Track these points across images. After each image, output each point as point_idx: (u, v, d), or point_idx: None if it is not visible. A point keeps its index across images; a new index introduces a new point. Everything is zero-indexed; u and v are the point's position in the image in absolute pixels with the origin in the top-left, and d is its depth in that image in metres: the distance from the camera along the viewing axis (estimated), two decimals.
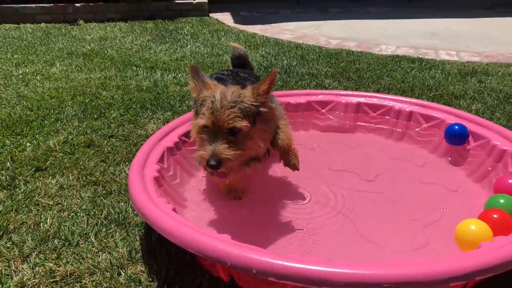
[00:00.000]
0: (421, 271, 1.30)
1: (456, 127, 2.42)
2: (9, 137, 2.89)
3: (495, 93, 3.71)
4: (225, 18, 6.94)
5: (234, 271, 1.62)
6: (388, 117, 2.76)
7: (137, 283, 1.71)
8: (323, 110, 2.85)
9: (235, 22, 6.67)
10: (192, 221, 1.70)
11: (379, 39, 5.68)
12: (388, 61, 4.64)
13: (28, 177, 2.43)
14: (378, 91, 3.72)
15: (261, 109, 1.78)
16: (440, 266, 1.32)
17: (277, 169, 2.39)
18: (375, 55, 4.88)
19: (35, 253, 1.87)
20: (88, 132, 2.97)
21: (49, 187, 2.34)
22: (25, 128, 3.00)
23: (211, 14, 7.09)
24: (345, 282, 1.29)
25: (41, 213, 2.14)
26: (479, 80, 4.07)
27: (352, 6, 8.16)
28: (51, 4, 6.51)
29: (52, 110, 3.30)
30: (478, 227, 1.61)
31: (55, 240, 1.95)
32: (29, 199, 2.24)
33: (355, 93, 2.90)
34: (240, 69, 2.45)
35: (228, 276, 1.68)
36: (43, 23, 6.41)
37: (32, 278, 1.72)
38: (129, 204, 2.20)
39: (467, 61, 4.71)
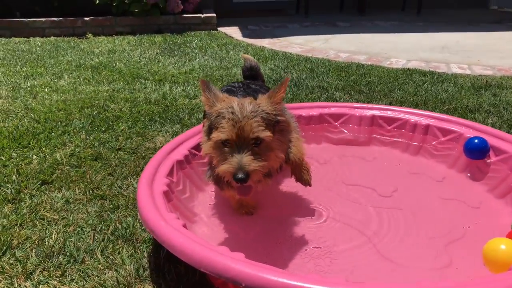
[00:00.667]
0: None
1: (476, 141, 2.33)
2: (15, 149, 2.83)
3: (511, 107, 3.62)
4: (233, 32, 6.93)
5: None
6: (403, 131, 2.68)
7: None
8: (336, 123, 2.78)
9: (244, 36, 6.65)
10: (203, 238, 1.62)
11: (389, 52, 5.63)
12: (399, 74, 4.57)
13: (34, 191, 2.37)
14: (390, 104, 3.64)
15: (279, 118, 1.71)
16: None
17: (289, 185, 2.31)
18: (385, 68, 4.82)
19: (39, 270, 1.80)
20: (95, 144, 2.91)
21: (54, 201, 2.28)
22: (32, 140, 2.95)
23: (219, 28, 7.08)
24: None
25: (46, 228, 2.07)
26: (494, 94, 3.98)
27: (360, 20, 8.13)
28: (61, 18, 6.53)
29: (59, 123, 3.25)
30: (509, 247, 1.51)
31: (60, 257, 1.87)
32: (34, 213, 2.17)
33: (369, 105, 2.82)
34: (251, 81, 2.39)
35: None
36: (52, 37, 6.43)
37: None
38: (136, 219, 2.12)
39: (480, 75, 4.63)
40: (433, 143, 2.58)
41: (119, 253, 1.90)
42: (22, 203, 2.26)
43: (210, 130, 1.70)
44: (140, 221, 2.10)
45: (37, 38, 6.34)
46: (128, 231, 2.03)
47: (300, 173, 2.02)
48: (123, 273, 1.77)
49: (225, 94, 1.77)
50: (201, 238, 1.55)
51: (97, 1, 6.52)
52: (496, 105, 3.67)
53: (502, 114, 3.47)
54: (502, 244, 1.54)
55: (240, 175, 1.56)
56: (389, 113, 2.73)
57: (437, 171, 2.42)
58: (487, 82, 4.32)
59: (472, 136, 2.40)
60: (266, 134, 1.62)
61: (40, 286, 1.71)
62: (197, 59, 5.16)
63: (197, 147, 2.36)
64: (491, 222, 1.97)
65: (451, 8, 9.65)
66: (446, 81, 4.34)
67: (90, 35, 6.43)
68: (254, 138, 1.60)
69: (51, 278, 1.75)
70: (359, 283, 1.27)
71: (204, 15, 7.01)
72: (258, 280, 1.30)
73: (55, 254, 1.89)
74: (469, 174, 2.38)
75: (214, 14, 7.07)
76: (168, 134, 3.11)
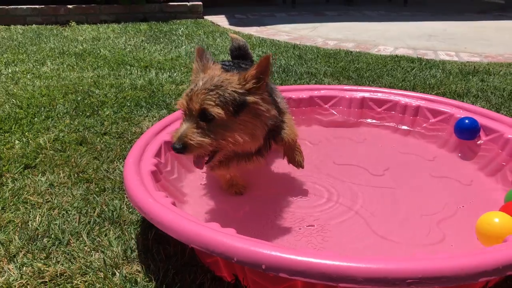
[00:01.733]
0: (448, 265, 1.18)
1: (467, 121, 2.32)
2: None
3: (498, 92, 3.63)
4: (220, 20, 6.84)
5: (239, 269, 1.50)
6: (394, 112, 2.66)
7: (133, 284, 1.58)
8: (326, 106, 2.74)
9: (230, 24, 6.58)
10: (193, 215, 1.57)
11: (377, 40, 5.61)
12: (388, 60, 4.56)
13: (16, 175, 2.29)
14: None
15: (248, 98, 1.63)
16: (469, 260, 1.20)
17: (280, 165, 2.27)
18: (374, 55, 4.80)
19: (23, 252, 1.73)
20: (80, 129, 2.84)
21: (38, 185, 2.20)
22: (14, 125, 2.86)
23: (205, 17, 7.00)
24: (366, 277, 1.17)
25: (30, 211, 2.00)
26: (481, 79, 3.99)
27: (347, 9, 8.11)
28: (43, 6, 6.37)
29: (42, 108, 3.16)
30: (502, 220, 1.50)
31: (44, 239, 1.81)
32: (16, 197, 2.10)
33: (359, 87, 2.80)
34: (240, 60, 2.34)
35: (232, 275, 1.55)
36: (34, 25, 6.27)
37: (19, 279, 1.59)
38: (124, 201, 2.07)
39: (467, 61, 4.65)
40: (424, 125, 2.56)
41: (105, 235, 1.85)
42: (4, 187, 2.19)
43: None
44: (128, 203, 2.05)
45: (18, 26, 6.18)
46: (115, 213, 1.97)
47: (293, 154, 1.98)
48: (110, 254, 1.72)
49: (218, 66, 1.73)
50: (190, 214, 1.50)
51: None
52: (484, 90, 3.68)
53: (490, 99, 3.48)
54: (495, 218, 1.53)
55: (176, 145, 1.55)
56: (379, 95, 2.71)
57: (428, 150, 2.41)
58: (474, 68, 4.33)
59: (462, 116, 2.39)
60: (215, 110, 1.56)
61: (24, 268, 1.64)
62: (183, 46, 5.08)
63: None
64: (482, 198, 1.97)
65: None
66: (434, 67, 4.34)
67: (73, 23, 6.29)
68: (200, 111, 1.57)
69: (35, 260, 1.68)
70: (353, 256, 1.24)
71: (190, 3, 6.91)
72: (250, 254, 1.26)
73: (39, 236, 1.83)
74: (459, 154, 2.37)
75: (200, 2, 6.97)
76: (154, 119, 3.04)
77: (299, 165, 2.01)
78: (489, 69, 4.31)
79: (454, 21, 7.08)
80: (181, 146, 1.55)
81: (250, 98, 1.64)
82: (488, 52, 5.08)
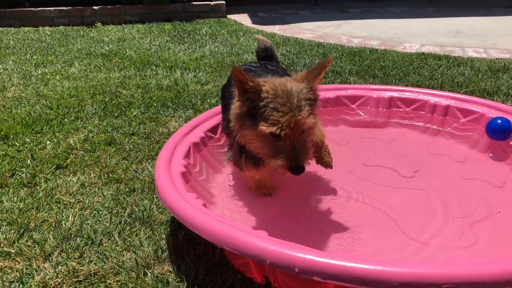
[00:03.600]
0: (485, 271, 1.16)
1: (499, 121, 2.27)
2: (29, 135, 2.81)
3: None
4: (243, 19, 6.85)
5: (270, 271, 1.50)
6: (423, 112, 2.61)
7: (165, 284, 1.60)
8: (353, 106, 2.72)
9: (253, 22, 6.58)
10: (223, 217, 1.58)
11: (402, 37, 5.53)
12: (414, 58, 4.49)
13: (49, 175, 2.35)
14: None
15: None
16: (507, 266, 1.17)
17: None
18: (399, 53, 4.73)
19: (57, 251, 1.78)
20: (108, 130, 2.89)
21: (70, 185, 2.25)
22: (45, 126, 2.93)
23: (228, 16, 7.01)
24: (401, 281, 1.16)
25: (63, 211, 2.05)
26: None
27: (371, 6, 8.01)
28: (69, 7, 6.50)
29: (71, 109, 3.23)
30: None
31: (78, 239, 1.85)
32: (50, 197, 2.15)
33: (387, 87, 2.76)
34: (266, 62, 2.34)
35: (262, 276, 1.56)
36: (61, 26, 6.40)
37: (54, 278, 1.63)
38: (153, 202, 2.09)
39: (497, 58, 4.53)
40: (454, 125, 2.51)
41: (136, 235, 1.88)
42: (38, 187, 2.24)
43: (251, 116, 1.61)
44: (157, 203, 2.07)
45: (46, 28, 6.32)
46: (145, 213, 2.00)
47: (321, 154, 1.97)
48: (141, 254, 1.74)
49: (262, 78, 1.72)
50: (222, 216, 1.51)
51: None
52: None
53: None
54: None
55: (300, 169, 1.56)
56: (407, 94, 2.67)
57: (459, 151, 2.36)
58: (504, 65, 4.22)
59: (494, 116, 2.34)
60: (314, 121, 1.60)
61: (59, 267, 1.68)
62: (208, 46, 5.10)
63: (213, 129, 2.33)
64: None
65: None
66: (462, 65, 4.26)
67: (99, 24, 6.39)
68: (306, 129, 1.58)
69: (69, 260, 1.72)
70: (387, 260, 1.22)
71: (213, 2, 6.94)
72: (283, 257, 1.26)
73: (72, 236, 1.87)
74: (491, 155, 2.32)
75: (223, 1, 6.99)
76: (181, 119, 3.07)
77: (327, 165, 2.00)
78: None
79: (481, 16, 6.91)
80: (302, 169, 1.57)
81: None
82: None
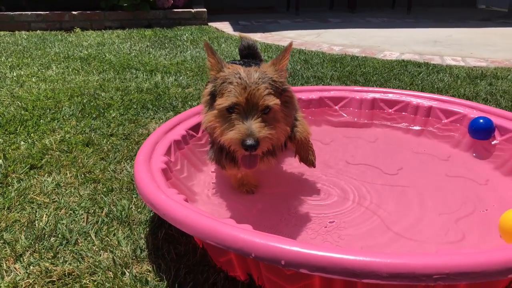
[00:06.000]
0: (476, 261, 1.13)
1: (481, 121, 2.28)
2: (1, 135, 2.71)
3: (508, 95, 3.59)
4: (224, 26, 6.84)
5: (254, 268, 1.45)
6: (405, 113, 2.61)
7: (144, 283, 1.52)
8: (336, 107, 2.70)
9: (235, 30, 6.57)
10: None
11: (382, 46, 5.59)
12: (394, 65, 4.53)
13: (22, 175, 2.25)
14: None
15: (285, 86, 1.62)
16: (498, 255, 1.15)
17: (291, 164, 2.23)
18: (380, 60, 4.78)
19: (29, 252, 1.68)
20: (86, 131, 2.80)
21: (44, 185, 2.16)
22: (19, 127, 2.83)
23: (210, 23, 7.00)
24: (391, 272, 1.12)
25: (36, 211, 1.95)
26: (489, 83, 3.95)
27: (351, 16, 8.12)
28: (47, 12, 6.38)
29: (48, 110, 3.13)
30: None
31: (52, 239, 1.76)
32: (23, 197, 2.05)
33: (370, 88, 2.76)
34: (250, 60, 2.31)
35: (246, 274, 1.50)
36: (38, 31, 6.27)
37: (25, 278, 1.54)
38: (132, 201, 2.02)
39: (474, 66, 4.61)
40: (436, 125, 2.52)
41: (114, 234, 1.80)
42: (10, 187, 2.15)
43: (213, 98, 1.59)
44: (136, 203, 2.00)
45: (23, 32, 6.18)
46: (123, 213, 1.93)
47: (306, 153, 1.94)
48: (119, 254, 1.67)
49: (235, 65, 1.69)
50: (204, 210, 1.46)
51: None
52: (493, 94, 3.64)
53: (499, 102, 3.44)
54: None
55: (249, 141, 1.44)
56: (390, 96, 2.67)
57: (442, 150, 2.36)
58: (482, 72, 4.30)
59: (476, 116, 2.35)
60: (275, 101, 1.52)
61: (31, 267, 1.59)
62: (189, 51, 5.06)
63: (195, 128, 2.28)
64: (499, 197, 1.92)
65: (440, 6, 9.71)
66: (441, 72, 4.31)
67: (78, 29, 6.29)
68: (265, 105, 1.51)
69: (42, 260, 1.63)
70: (376, 251, 1.19)
71: (195, 10, 6.92)
72: (268, 250, 1.21)
73: (46, 236, 1.78)
74: (474, 154, 2.32)
75: (205, 9, 6.98)
76: (161, 121, 3.01)
77: (311, 164, 1.97)
78: (496, 73, 4.28)
79: (458, 27, 7.07)
80: (255, 142, 1.45)
81: (286, 86, 1.63)
82: (494, 57, 5.05)
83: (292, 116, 1.72)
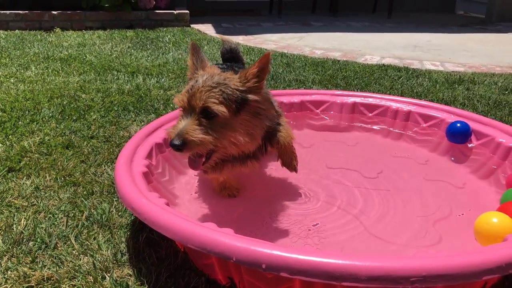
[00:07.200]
0: (452, 263, 1.16)
1: (459, 125, 2.33)
2: None
3: (484, 100, 3.68)
4: (207, 29, 6.83)
5: (235, 272, 1.45)
6: (385, 117, 2.66)
7: (124, 287, 1.52)
8: (317, 110, 2.73)
9: (217, 32, 6.57)
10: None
11: (363, 50, 5.67)
12: (375, 69, 4.60)
13: (0, 178, 2.21)
14: None
15: (249, 96, 1.59)
16: (473, 258, 1.18)
17: (273, 167, 2.24)
18: (361, 64, 4.84)
19: (7, 256, 1.66)
20: (66, 133, 2.77)
21: (23, 188, 2.13)
22: None
23: (192, 25, 6.97)
24: (369, 275, 1.14)
25: (14, 215, 1.92)
26: (467, 88, 4.05)
27: (333, 20, 8.19)
28: (26, 11, 6.26)
29: (27, 112, 3.08)
30: (501, 220, 1.49)
31: (30, 243, 1.74)
32: (0, 200, 2.02)
33: (350, 93, 2.79)
34: (233, 63, 2.32)
35: (227, 278, 1.51)
36: (17, 30, 6.15)
37: (3, 283, 1.51)
38: (113, 205, 2.01)
39: (452, 71, 4.71)
40: (415, 129, 2.57)
41: (94, 238, 1.79)
42: None
43: None
44: (117, 206, 1.99)
45: (1, 31, 6.06)
46: (104, 216, 1.91)
47: (289, 157, 1.95)
48: (99, 258, 1.66)
49: (214, 66, 1.70)
50: (185, 214, 1.46)
51: None
52: (470, 98, 3.72)
53: (476, 106, 3.52)
54: (494, 218, 1.52)
55: (175, 141, 1.46)
56: (370, 100, 2.71)
57: (420, 154, 2.41)
58: (460, 77, 4.39)
59: (454, 121, 2.40)
60: (219, 108, 1.51)
61: (9, 272, 1.57)
62: (171, 53, 5.04)
63: None
64: (476, 200, 1.97)
65: (420, 11, 9.87)
66: (420, 76, 4.39)
67: (58, 30, 6.19)
68: (202, 108, 1.51)
69: (20, 265, 1.61)
70: (356, 255, 1.21)
71: (177, 11, 6.89)
72: (249, 254, 1.22)
73: (24, 240, 1.76)
74: (452, 158, 2.38)
75: (187, 11, 6.95)
76: (143, 123, 2.99)
77: (293, 169, 1.98)
78: (473, 78, 4.38)
79: (437, 33, 7.20)
80: (180, 143, 1.47)
81: (251, 97, 1.60)
82: (471, 62, 5.17)
83: (263, 127, 1.69)
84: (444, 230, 1.75)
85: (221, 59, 2.52)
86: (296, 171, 1.99)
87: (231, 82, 1.57)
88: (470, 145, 2.31)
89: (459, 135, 2.32)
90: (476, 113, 3.32)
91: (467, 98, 3.72)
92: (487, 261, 1.18)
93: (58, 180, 2.22)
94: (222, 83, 1.55)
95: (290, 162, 1.96)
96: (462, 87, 4.07)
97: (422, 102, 2.67)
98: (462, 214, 1.87)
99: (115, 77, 4.00)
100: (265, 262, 1.20)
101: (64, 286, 1.52)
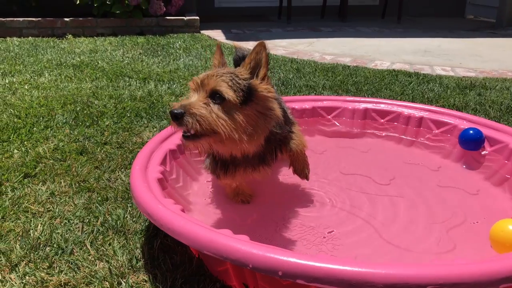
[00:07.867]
0: (470, 271, 1.16)
1: (471, 132, 2.32)
2: None
3: (496, 105, 3.66)
4: (217, 34, 6.88)
5: (250, 278, 1.46)
6: (397, 124, 2.66)
7: None
8: (329, 117, 2.74)
9: (227, 38, 6.61)
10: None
11: (373, 55, 5.67)
12: (385, 74, 4.59)
13: (16, 184, 2.25)
14: None
15: (255, 86, 1.59)
16: (490, 266, 1.18)
17: (286, 174, 2.25)
18: (371, 70, 4.83)
19: (25, 262, 1.68)
20: (80, 139, 2.80)
21: (39, 194, 2.16)
22: (12, 135, 2.82)
23: (202, 31, 7.02)
24: (386, 283, 1.14)
25: (31, 220, 1.95)
26: (478, 93, 4.03)
27: (342, 26, 8.20)
28: (39, 18, 6.36)
29: (41, 118, 3.12)
30: None
31: (47, 248, 1.76)
32: (17, 206, 2.05)
33: (362, 99, 2.80)
34: None
35: (242, 285, 1.52)
36: (30, 37, 6.24)
37: None
38: (127, 211, 2.03)
39: (463, 76, 4.69)
40: (427, 135, 2.56)
41: (110, 244, 1.80)
42: (4, 196, 2.14)
43: None
44: (132, 212, 2.01)
45: (14, 38, 6.15)
46: (118, 222, 1.93)
47: (301, 165, 1.97)
48: (115, 263, 1.67)
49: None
50: (201, 221, 1.47)
51: (78, 2, 6.37)
52: (482, 104, 3.70)
53: (488, 112, 3.50)
54: (510, 225, 1.51)
55: (176, 110, 1.46)
56: (382, 106, 2.71)
57: (433, 161, 2.41)
58: (471, 82, 4.37)
59: (467, 127, 2.40)
60: (228, 91, 1.52)
61: (27, 277, 1.59)
62: (182, 59, 5.08)
63: None
64: (490, 207, 1.96)
65: (429, 16, 9.85)
66: (431, 82, 4.38)
67: (70, 36, 6.27)
68: (212, 90, 1.53)
69: (38, 270, 1.63)
70: (372, 262, 1.21)
71: (187, 17, 6.94)
72: (266, 261, 1.23)
73: (41, 246, 1.78)
74: (464, 164, 2.37)
75: (197, 17, 7.01)
76: (155, 129, 3.02)
77: (305, 176, 2.00)
78: (485, 83, 4.35)
79: (447, 37, 7.18)
80: (180, 112, 1.46)
81: (259, 89, 1.60)
82: (482, 67, 5.14)
83: (265, 130, 1.65)
84: (458, 237, 1.74)
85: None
86: (307, 179, 2.00)
87: (239, 72, 1.62)
88: (483, 152, 2.30)
89: (472, 142, 2.31)
90: (489, 119, 3.32)
91: (479, 104, 3.70)
92: (506, 269, 1.18)
93: (73, 186, 2.25)
94: (233, 72, 1.61)
95: (302, 170, 1.98)
96: (473, 92, 4.05)
97: (434, 108, 2.67)
98: (477, 222, 1.86)
99: (127, 83, 4.04)
100: (281, 269, 1.21)
101: None
